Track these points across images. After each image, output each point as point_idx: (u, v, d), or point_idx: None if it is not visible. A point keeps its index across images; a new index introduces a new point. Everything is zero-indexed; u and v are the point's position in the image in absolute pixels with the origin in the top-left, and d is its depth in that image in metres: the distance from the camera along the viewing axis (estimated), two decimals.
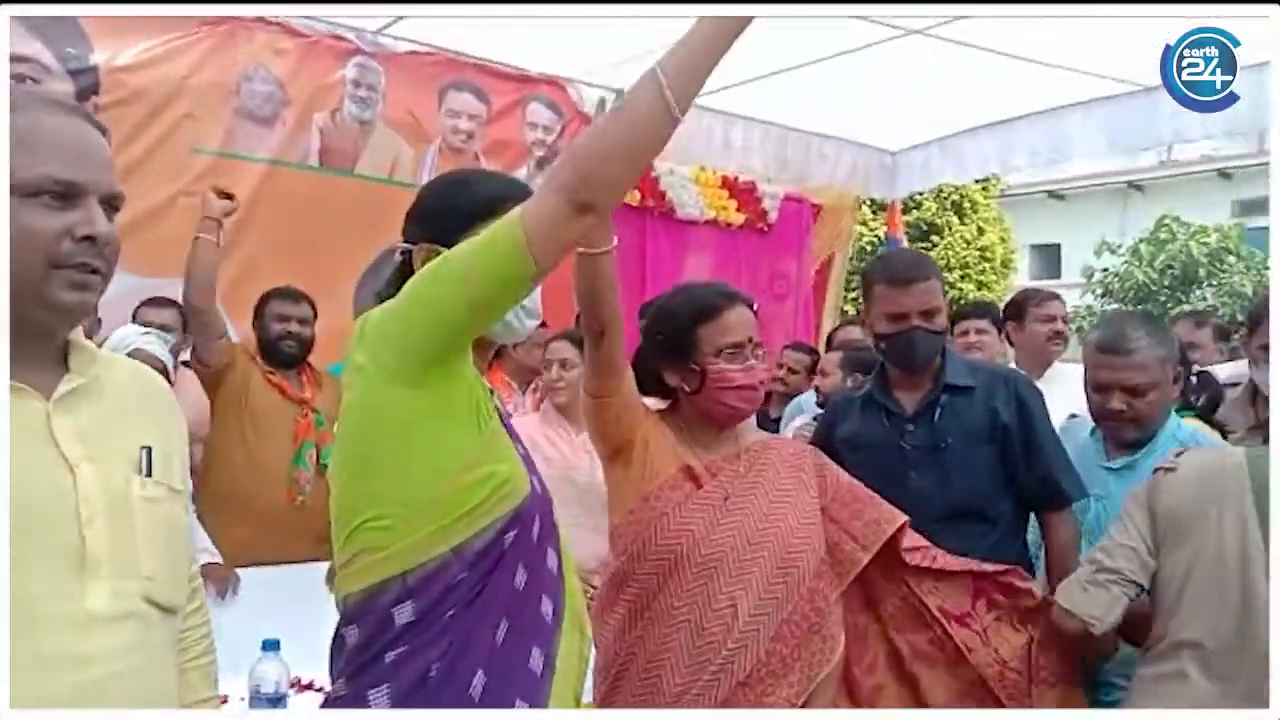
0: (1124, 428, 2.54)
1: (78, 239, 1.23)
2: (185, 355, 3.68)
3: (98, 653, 1.22)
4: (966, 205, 16.49)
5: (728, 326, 2.17)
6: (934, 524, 2.40)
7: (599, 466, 2.33)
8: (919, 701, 2.31)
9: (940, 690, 2.31)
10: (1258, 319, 3.22)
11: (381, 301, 1.53)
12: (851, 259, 8.03)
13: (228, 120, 4.38)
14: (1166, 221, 20.00)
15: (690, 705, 2.05)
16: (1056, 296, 4.33)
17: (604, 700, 2.15)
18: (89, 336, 1.36)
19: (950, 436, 2.50)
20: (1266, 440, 3.15)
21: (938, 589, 2.32)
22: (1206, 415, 3.15)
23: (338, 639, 1.54)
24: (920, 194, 14.45)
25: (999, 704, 2.27)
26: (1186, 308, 15.05)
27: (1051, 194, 25.94)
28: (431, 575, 1.48)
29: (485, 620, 1.51)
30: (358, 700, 1.47)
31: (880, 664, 2.36)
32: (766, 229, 6.25)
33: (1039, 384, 2.81)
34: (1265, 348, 3.11)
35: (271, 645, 2.43)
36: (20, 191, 1.21)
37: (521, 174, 5.13)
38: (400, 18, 4.44)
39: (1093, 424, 2.67)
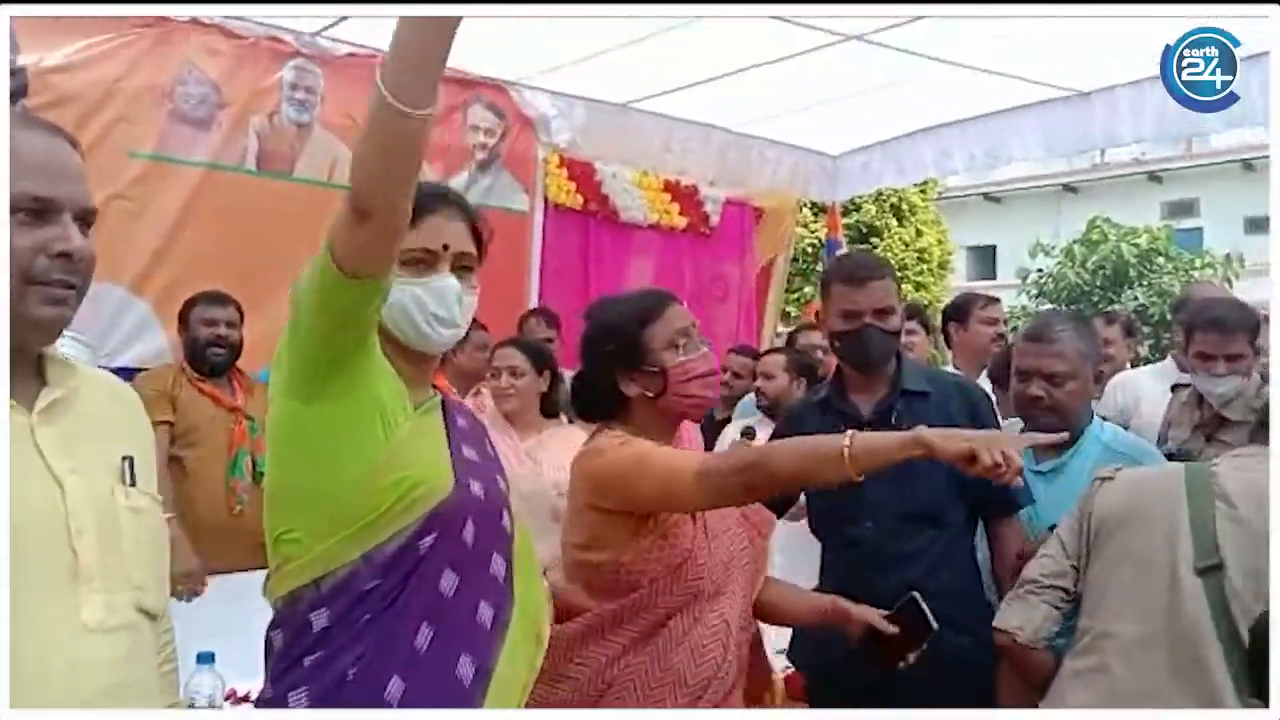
0: (1043, 416, 2.58)
1: (53, 255, 1.24)
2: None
3: (97, 663, 1.23)
4: (905, 208, 16.69)
5: (671, 318, 2.16)
6: (889, 528, 2.46)
7: (541, 473, 2.32)
8: None
9: None
10: (1191, 327, 3.30)
11: None
12: (792, 261, 8.10)
13: (162, 123, 4.29)
14: (1098, 223, 20.40)
15: None
16: (998, 300, 4.42)
17: None
18: None
19: None
20: (1209, 440, 3.25)
21: None
22: None
23: (267, 642, 1.59)
24: (860, 197, 14.62)
25: None
26: (1117, 307, 15.37)
27: (988, 196, 26.40)
28: (342, 582, 1.52)
29: (404, 626, 1.52)
30: (280, 702, 1.52)
31: None
32: (708, 232, 6.27)
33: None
34: (1202, 355, 3.20)
35: (206, 658, 2.41)
36: None
37: (463, 177, 5.12)
38: (342, 18, 4.38)
39: (1022, 425, 2.70)
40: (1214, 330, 3.19)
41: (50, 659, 1.19)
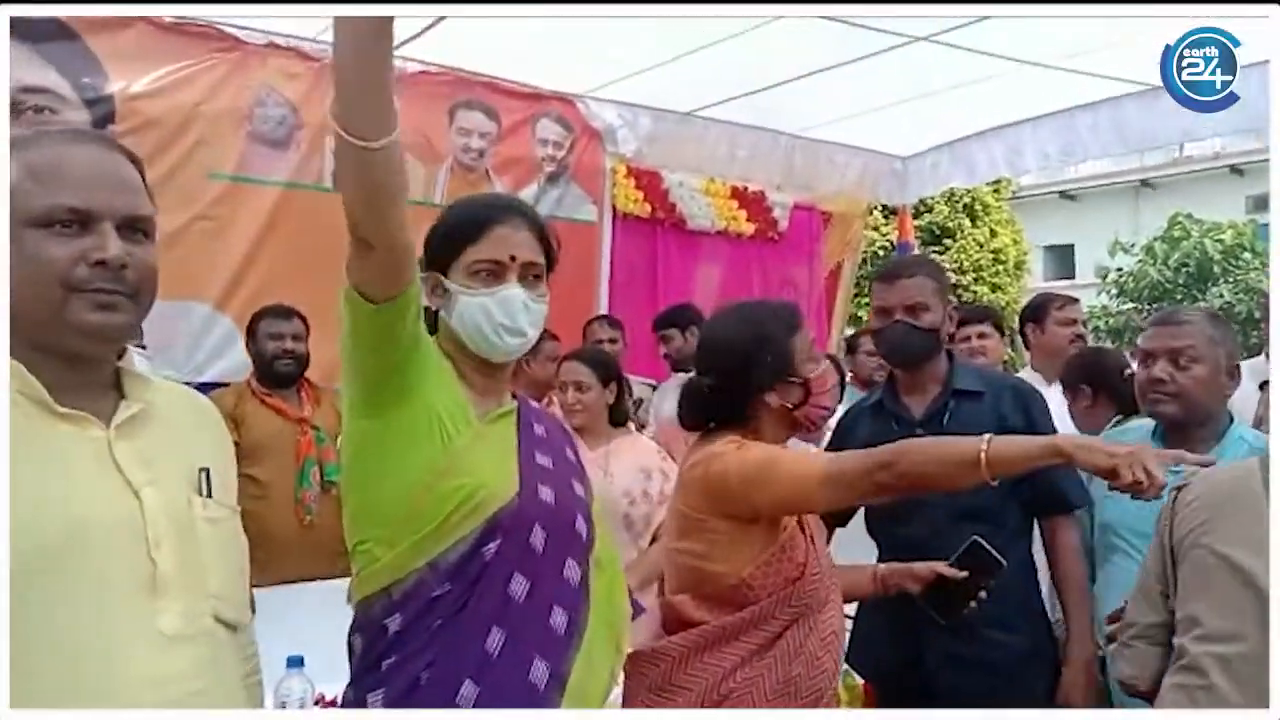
0: (1165, 404, 2.48)
1: (91, 264, 1.26)
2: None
3: (175, 673, 1.25)
4: (978, 208, 16.45)
5: (807, 330, 2.17)
6: (942, 526, 2.45)
7: (612, 482, 2.33)
8: None
9: None
10: None
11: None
12: (862, 265, 8.04)
13: (241, 145, 4.41)
14: (1179, 219, 19.89)
15: None
16: (1077, 300, 4.33)
17: None
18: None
19: None
20: None
21: None
22: None
23: (349, 646, 1.66)
24: (931, 198, 14.44)
25: None
26: (1203, 305, 14.96)
27: (1063, 194, 25.88)
28: (412, 589, 1.57)
29: (474, 630, 1.56)
30: (359, 703, 1.58)
31: None
32: (777, 238, 6.26)
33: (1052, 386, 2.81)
34: None
35: (296, 662, 2.47)
36: (35, 222, 1.25)
37: (532, 189, 5.18)
38: (410, 39, 4.47)
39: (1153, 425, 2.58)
40: None
41: (128, 668, 1.21)
